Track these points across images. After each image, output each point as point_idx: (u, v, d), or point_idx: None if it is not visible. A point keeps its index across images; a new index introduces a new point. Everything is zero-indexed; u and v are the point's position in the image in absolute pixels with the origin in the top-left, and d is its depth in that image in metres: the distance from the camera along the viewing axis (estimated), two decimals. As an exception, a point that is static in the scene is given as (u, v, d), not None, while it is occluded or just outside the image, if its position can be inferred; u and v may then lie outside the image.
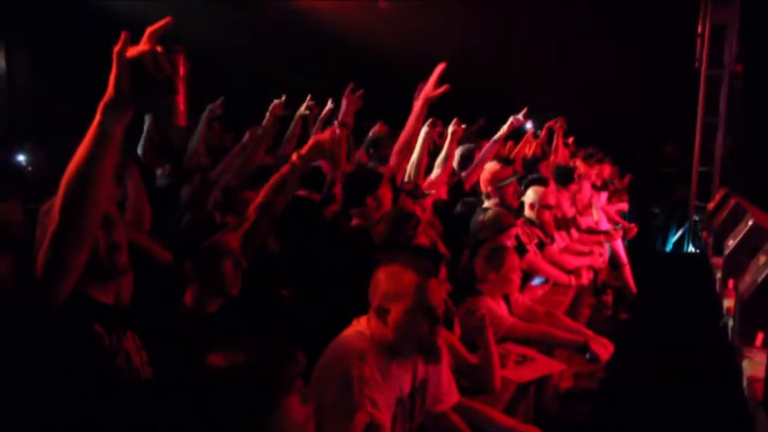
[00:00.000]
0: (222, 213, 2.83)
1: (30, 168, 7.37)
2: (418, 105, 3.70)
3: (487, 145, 5.01)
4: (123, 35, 1.49)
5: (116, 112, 1.51)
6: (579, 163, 7.12)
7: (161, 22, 1.50)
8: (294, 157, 2.54)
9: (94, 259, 1.74)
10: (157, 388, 1.89)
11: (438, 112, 4.09)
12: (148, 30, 1.50)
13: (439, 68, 3.63)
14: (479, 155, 4.97)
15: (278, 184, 2.53)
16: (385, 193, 3.40)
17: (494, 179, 4.67)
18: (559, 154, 6.76)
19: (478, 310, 3.01)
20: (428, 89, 3.63)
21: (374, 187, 3.43)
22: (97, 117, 1.52)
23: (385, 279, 2.16)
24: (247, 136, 4.49)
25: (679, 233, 9.86)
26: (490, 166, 4.73)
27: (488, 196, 4.66)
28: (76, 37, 10.05)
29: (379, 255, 2.28)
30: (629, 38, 9.63)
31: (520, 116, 5.12)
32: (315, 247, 3.16)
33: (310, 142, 2.57)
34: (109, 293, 1.89)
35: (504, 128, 4.99)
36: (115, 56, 1.49)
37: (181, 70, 1.53)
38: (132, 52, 1.49)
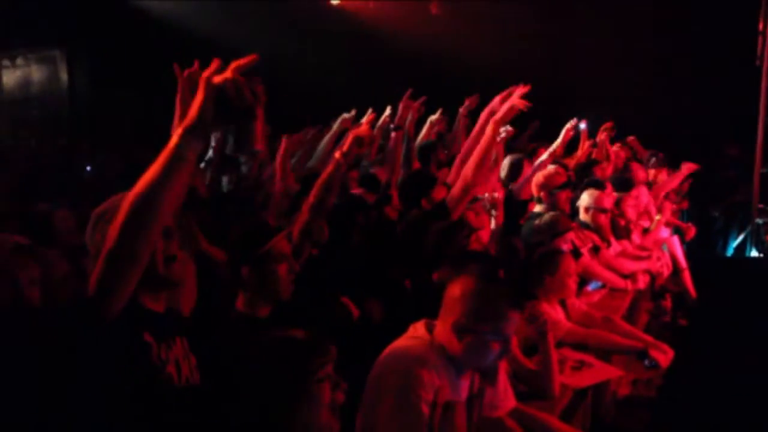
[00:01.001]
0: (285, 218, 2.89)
1: (89, 176, 7.65)
2: (489, 128, 3.46)
3: (541, 156, 4.95)
4: (215, 62, 1.47)
5: (195, 137, 1.47)
6: (651, 171, 6.96)
7: (248, 59, 1.47)
8: (337, 154, 2.64)
9: (150, 270, 1.71)
10: (206, 394, 1.92)
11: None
12: (234, 64, 1.47)
13: (517, 93, 3.43)
14: (531, 167, 4.91)
15: (326, 183, 2.64)
16: (440, 196, 3.40)
17: (548, 184, 4.61)
18: (613, 158, 6.64)
19: (540, 316, 2.98)
20: (499, 113, 3.43)
21: (429, 189, 3.44)
22: (174, 140, 1.47)
23: (473, 297, 2.13)
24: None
25: (741, 237, 9.53)
26: (544, 171, 4.68)
27: (540, 201, 4.61)
28: (133, 52, 10.38)
29: (455, 263, 2.28)
30: (687, 37, 9.39)
31: (572, 123, 5.07)
32: (375, 255, 3.19)
33: (349, 137, 2.63)
34: (160, 302, 1.90)
35: (558, 141, 4.94)
36: (203, 82, 1.46)
37: (261, 98, 1.50)
38: (217, 79, 1.45)
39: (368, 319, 2.97)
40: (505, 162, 4.93)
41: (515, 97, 3.39)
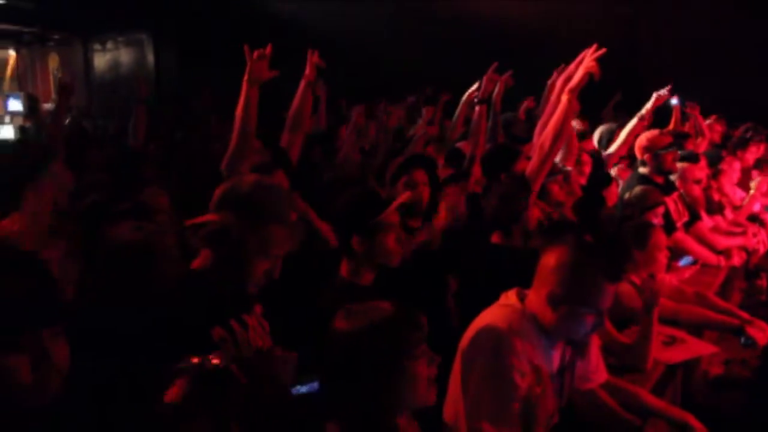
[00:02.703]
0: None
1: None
2: (564, 97, 3.31)
3: (629, 125, 4.81)
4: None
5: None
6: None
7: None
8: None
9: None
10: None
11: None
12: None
13: (589, 57, 3.22)
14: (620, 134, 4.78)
15: None
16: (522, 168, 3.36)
17: (652, 145, 4.46)
18: (707, 133, 6.35)
19: (652, 287, 2.91)
20: (573, 80, 3.27)
21: (510, 164, 3.39)
22: None
23: (569, 269, 2.09)
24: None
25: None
26: (647, 133, 4.53)
27: (644, 163, 4.46)
28: (217, 34, 10.63)
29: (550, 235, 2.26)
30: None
31: (664, 91, 4.87)
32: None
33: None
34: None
35: (648, 105, 4.76)
36: None
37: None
38: None
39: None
40: (597, 131, 4.81)
41: (588, 61, 3.20)
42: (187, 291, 1.93)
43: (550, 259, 2.13)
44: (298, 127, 3.59)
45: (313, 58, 3.60)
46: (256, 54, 3.08)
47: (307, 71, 3.58)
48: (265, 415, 1.58)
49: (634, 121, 4.71)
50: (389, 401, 1.70)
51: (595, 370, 2.42)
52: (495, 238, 3.11)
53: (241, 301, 2.00)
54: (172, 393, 1.34)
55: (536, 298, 2.14)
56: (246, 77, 3.07)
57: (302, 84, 3.59)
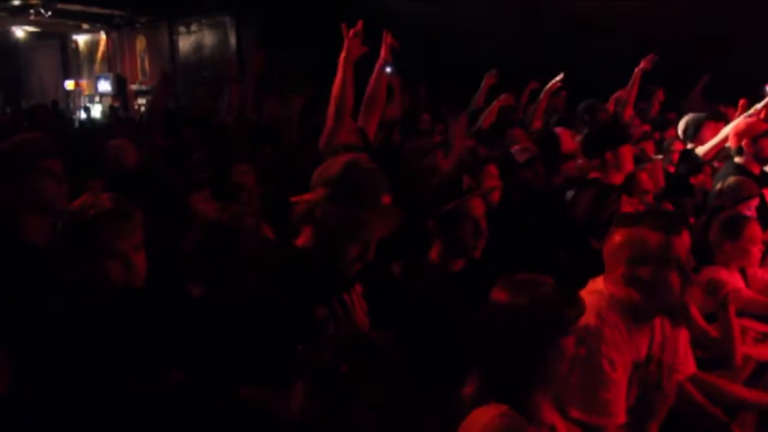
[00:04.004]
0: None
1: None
2: None
3: (734, 120, 4.61)
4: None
5: None
6: None
7: None
8: None
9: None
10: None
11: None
12: None
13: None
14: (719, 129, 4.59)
15: None
16: (627, 154, 3.28)
17: (750, 131, 4.27)
18: None
19: (721, 288, 2.82)
20: None
21: (616, 143, 3.32)
22: None
23: (627, 243, 2.08)
24: None
25: None
26: (745, 118, 4.35)
27: (740, 151, 4.29)
28: (297, 16, 10.77)
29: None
30: None
31: None
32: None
33: None
34: None
35: (761, 104, 4.56)
36: None
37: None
38: None
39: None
40: (682, 121, 4.64)
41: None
42: (288, 269, 1.93)
43: (614, 240, 2.11)
44: (373, 109, 3.57)
45: (387, 40, 3.57)
46: (351, 32, 3.07)
47: (383, 53, 3.55)
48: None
49: (739, 121, 4.50)
50: (538, 376, 1.71)
51: (684, 361, 2.36)
52: (595, 245, 3.06)
53: (341, 280, 1.99)
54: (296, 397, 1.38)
55: (613, 281, 2.12)
56: (343, 56, 3.06)
57: (377, 66, 3.56)
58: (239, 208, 2.53)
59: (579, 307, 1.71)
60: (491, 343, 1.72)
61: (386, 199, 2.02)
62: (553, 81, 5.58)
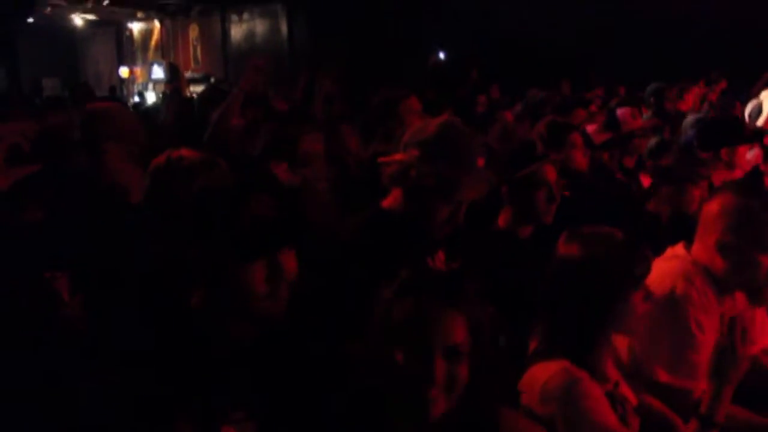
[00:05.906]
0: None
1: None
2: None
3: None
4: None
5: None
6: None
7: None
8: None
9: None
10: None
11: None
12: None
13: None
14: None
15: None
16: (743, 153, 3.22)
17: None
18: None
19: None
20: None
21: (733, 141, 3.27)
22: None
23: (734, 213, 2.01)
24: None
25: None
26: None
27: None
28: (347, 5, 10.82)
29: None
30: None
31: None
32: None
33: None
34: None
35: None
36: None
37: None
38: None
39: None
40: (749, 107, 4.55)
41: None
42: (373, 230, 1.90)
43: (712, 207, 2.05)
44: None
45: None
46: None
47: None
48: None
49: None
50: (605, 331, 1.70)
51: (761, 333, 2.31)
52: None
53: (425, 244, 1.94)
54: None
55: (703, 247, 2.07)
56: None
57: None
58: (312, 174, 2.57)
59: (648, 262, 1.70)
60: (561, 297, 1.71)
61: (480, 162, 2.03)
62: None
